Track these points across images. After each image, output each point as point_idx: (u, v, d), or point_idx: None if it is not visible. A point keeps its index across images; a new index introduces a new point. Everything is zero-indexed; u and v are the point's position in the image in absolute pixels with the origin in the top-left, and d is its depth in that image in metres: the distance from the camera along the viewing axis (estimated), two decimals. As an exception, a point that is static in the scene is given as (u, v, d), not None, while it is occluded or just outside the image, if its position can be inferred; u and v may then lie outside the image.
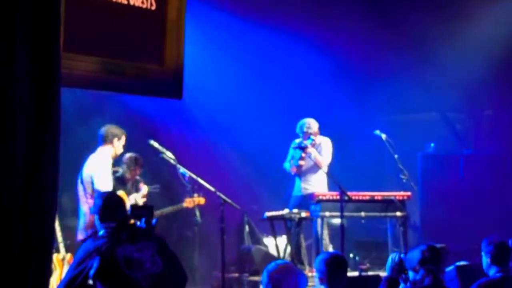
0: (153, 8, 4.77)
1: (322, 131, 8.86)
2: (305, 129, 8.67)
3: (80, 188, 7.21)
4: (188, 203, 8.11)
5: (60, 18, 3.26)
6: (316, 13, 10.35)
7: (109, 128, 7.45)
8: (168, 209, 8.20)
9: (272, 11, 10.20)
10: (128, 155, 7.81)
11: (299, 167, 8.75)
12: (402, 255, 4.76)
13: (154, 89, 4.94)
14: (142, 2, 4.71)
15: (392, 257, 4.78)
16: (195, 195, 7.93)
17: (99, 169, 7.17)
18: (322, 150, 8.69)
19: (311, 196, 8.48)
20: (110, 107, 8.82)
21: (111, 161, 7.38)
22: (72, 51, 4.25)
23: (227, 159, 10.14)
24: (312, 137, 8.63)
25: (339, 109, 10.93)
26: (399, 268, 4.66)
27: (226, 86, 10.07)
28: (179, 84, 4.92)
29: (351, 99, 11.04)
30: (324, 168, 8.54)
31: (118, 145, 7.45)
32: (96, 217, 4.75)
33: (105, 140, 7.39)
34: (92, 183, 7.12)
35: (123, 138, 7.49)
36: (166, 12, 4.82)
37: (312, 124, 8.70)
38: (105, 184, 7.13)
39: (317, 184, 8.71)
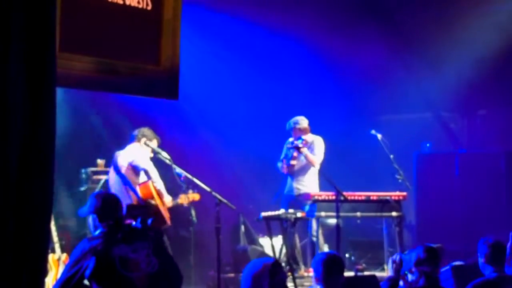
0: (149, 8, 4.76)
1: (317, 131, 8.86)
2: (293, 125, 8.68)
3: (117, 183, 7.45)
4: (182, 199, 8.11)
5: (55, 17, 3.25)
6: (313, 13, 10.35)
7: (142, 129, 7.77)
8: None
9: (268, 11, 10.20)
10: None
11: (291, 166, 8.74)
12: (403, 255, 4.76)
13: (150, 89, 4.93)
14: (138, 2, 4.70)
15: (393, 257, 4.78)
16: (190, 191, 7.95)
17: (139, 157, 7.56)
18: (315, 148, 8.68)
19: (303, 196, 8.48)
20: (105, 107, 8.81)
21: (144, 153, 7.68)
22: (67, 51, 4.25)
23: (223, 159, 10.13)
24: (302, 137, 8.63)
25: (334, 109, 10.93)
26: (400, 269, 4.67)
27: (220, 86, 10.07)
28: (175, 84, 4.91)
29: (346, 99, 11.05)
30: (317, 166, 8.53)
31: (145, 146, 7.64)
32: (93, 217, 4.73)
33: (135, 138, 7.72)
34: (136, 168, 7.50)
35: (154, 142, 7.64)
36: (162, 12, 4.81)
37: (301, 121, 8.70)
38: (151, 166, 7.55)
39: (309, 184, 8.70)
